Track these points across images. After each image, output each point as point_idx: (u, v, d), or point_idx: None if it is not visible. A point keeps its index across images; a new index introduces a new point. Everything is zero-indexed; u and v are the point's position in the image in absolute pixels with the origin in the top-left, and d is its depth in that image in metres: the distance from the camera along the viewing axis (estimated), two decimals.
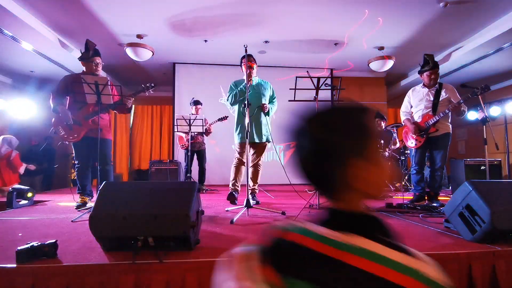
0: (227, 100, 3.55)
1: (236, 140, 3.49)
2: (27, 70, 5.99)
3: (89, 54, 3.21)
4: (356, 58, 6.21)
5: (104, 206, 1.65)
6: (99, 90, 2.85)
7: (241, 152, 3.46)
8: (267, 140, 3.51)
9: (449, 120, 3.40)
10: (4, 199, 3.40)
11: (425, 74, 3.39)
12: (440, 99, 3.33)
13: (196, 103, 5.15)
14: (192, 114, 4.91)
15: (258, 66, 3.58)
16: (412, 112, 3.57)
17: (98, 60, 3.27)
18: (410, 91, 3.61)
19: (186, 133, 4.69)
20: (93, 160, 3.27)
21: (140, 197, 1.73)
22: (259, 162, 3.53)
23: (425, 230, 2.20)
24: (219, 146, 6.43)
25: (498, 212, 1.74)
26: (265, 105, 3.38)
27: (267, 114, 3.42)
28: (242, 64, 3.43)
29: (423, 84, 3.47)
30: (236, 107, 3.56)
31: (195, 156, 5.18)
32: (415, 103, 3.51)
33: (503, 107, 6.25)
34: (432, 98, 3.36)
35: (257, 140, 3.42)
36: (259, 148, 3.51)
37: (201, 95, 5.90)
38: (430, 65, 3.35)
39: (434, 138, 3.36)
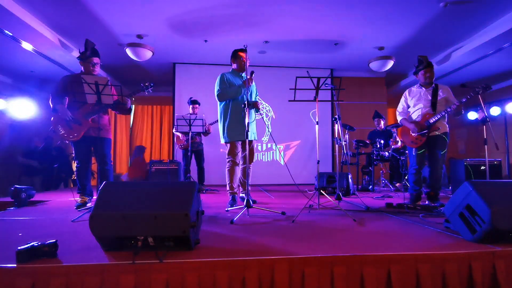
0: (219, 92, 3.23)
1: (226, 139, 3.28)
2: (27, 70, 5.99)
3: (86, 54, 3.20)
4: (356, 58, 6.21)
5: (104, 206, 1.65)
6: (99, 90, 2.86)
7: (234, 153, 3.29)
8: (255, 138, 3.45)
9: (446, 120, 3.44)
10: (5, 199, 3.40)
11: (420, 73, 3.44)
12: (438, 98, 3.37)
13: (194, 102, 5.15)
14: (189, 114, 4.92)
15: (258, 66, 3.55)
16: (410, 113, 3.59)
17: (95, 60, 3.24)
18: (406, 92, 3.63)
19: (183, 133, 4.67)
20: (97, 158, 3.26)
21: (140, 197, 1.73)
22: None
23: (425, 230, 2.20)
24: (219, 146, 6.43)
25: (498, 212, 1.73)
26: (258, 103, 3.30)
27: (257, 110, 3.34)
28: (236, 59, 3.32)
29: (419, 84, 3.51)
30: (229, 102, 3.32)
31: (193, 156, 5.18)
32: (413, 103, 3.53)
33: (503, 107, 6.26)
34: (430, 98, 3.39)
35: (251, 138, 3.28)
36: (251, 147, 3.39)
37: (201, 95, 5.90)
38: (424, 64, 3.40)
39: (432, 137, 3.37)
